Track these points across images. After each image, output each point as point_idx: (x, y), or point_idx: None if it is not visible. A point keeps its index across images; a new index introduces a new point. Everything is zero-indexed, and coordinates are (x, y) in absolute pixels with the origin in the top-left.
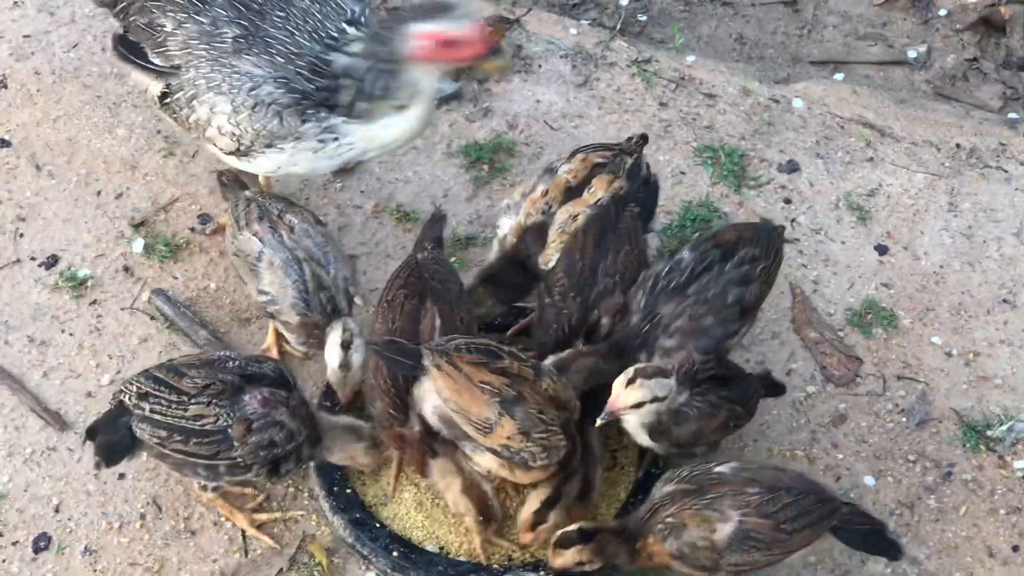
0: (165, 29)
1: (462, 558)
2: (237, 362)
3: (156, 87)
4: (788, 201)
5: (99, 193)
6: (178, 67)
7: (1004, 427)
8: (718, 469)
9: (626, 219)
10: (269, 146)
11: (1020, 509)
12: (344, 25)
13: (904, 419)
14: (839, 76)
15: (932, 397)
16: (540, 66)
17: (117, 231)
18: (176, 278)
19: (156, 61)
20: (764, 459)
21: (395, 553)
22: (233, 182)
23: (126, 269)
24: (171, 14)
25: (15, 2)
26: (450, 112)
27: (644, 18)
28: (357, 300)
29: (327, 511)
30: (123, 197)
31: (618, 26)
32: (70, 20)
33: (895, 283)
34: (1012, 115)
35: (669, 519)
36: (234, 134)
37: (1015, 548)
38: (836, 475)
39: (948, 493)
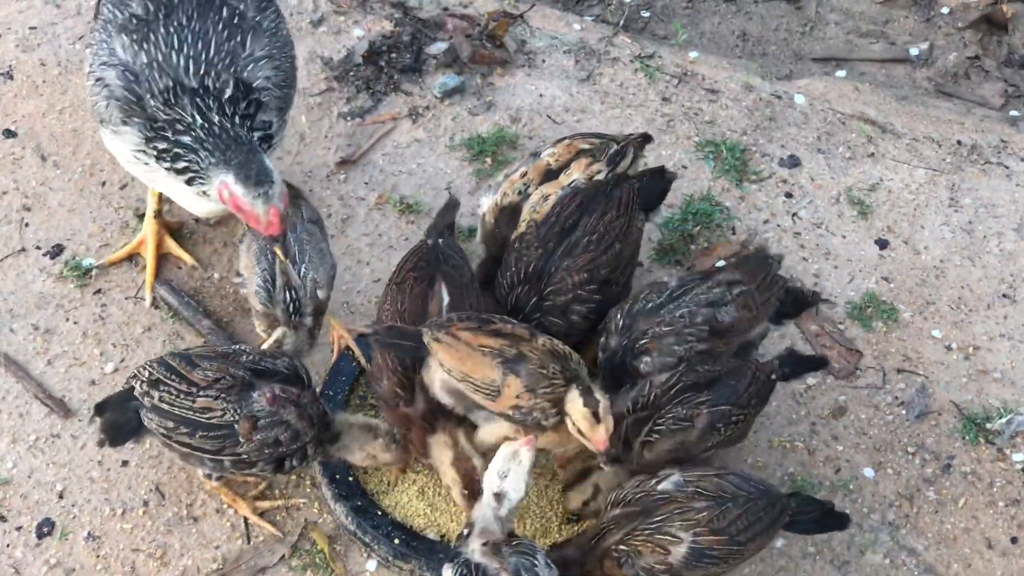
0: None
1: None
2: (250, 356)
3: None
4: (789, 195)
5: (104, 183)
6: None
7: (1003, 420)
8: (661, 486)
9: (622, 189)
10: (102, 122)
11: (1019, 501)
12: (218, 87)
13: (904, 412)
14: (841, 73)
15: (932, 390)
16: (543, 61)
17: (122, 221)
18: (180, 268)
19: None
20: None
21: (397, 540)
22: None
23: (130, 258)
24: None
25: None
26: (453, 105)
27: (647, 14)
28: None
29: (329, 499)
30: (128, 187)
31: (621, 22)
32: (76, 12)
33: (895, 277)
34: (1013, 112)
35: (622, 546)
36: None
37: (1013, 540)
38: (836, 467)
39: (947, 485)
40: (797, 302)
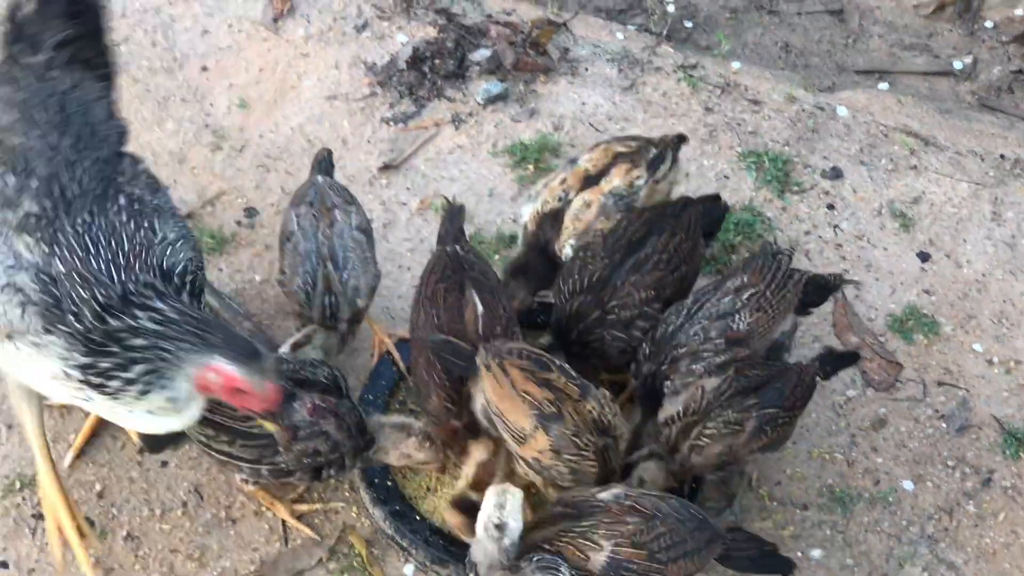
0: None
1: None
2: (291, 366)
3: None
4: (831, 207)
5: None
6: None
7: None
8: (601, 495)
9: (689, 212)
10: (9, 336)
11: None
12: (149, 279)
13: (944, 425)
14: (884, 85)
15: (972, 404)
16: (587, 69)
17: None
18: (221, 270)
19: None
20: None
21: (434, 544)
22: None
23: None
24: None
25: None
26: (496, 112)
27: (690, 24)
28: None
29: (367, 502)
30: (170, 190)
31: (664, 32)
32: (120, 14)
33: (937, 290)
34: None
35: (547, 544)
36: None
37: None
38: (875, 479)
39: (987, 499)
40: (820, 289)
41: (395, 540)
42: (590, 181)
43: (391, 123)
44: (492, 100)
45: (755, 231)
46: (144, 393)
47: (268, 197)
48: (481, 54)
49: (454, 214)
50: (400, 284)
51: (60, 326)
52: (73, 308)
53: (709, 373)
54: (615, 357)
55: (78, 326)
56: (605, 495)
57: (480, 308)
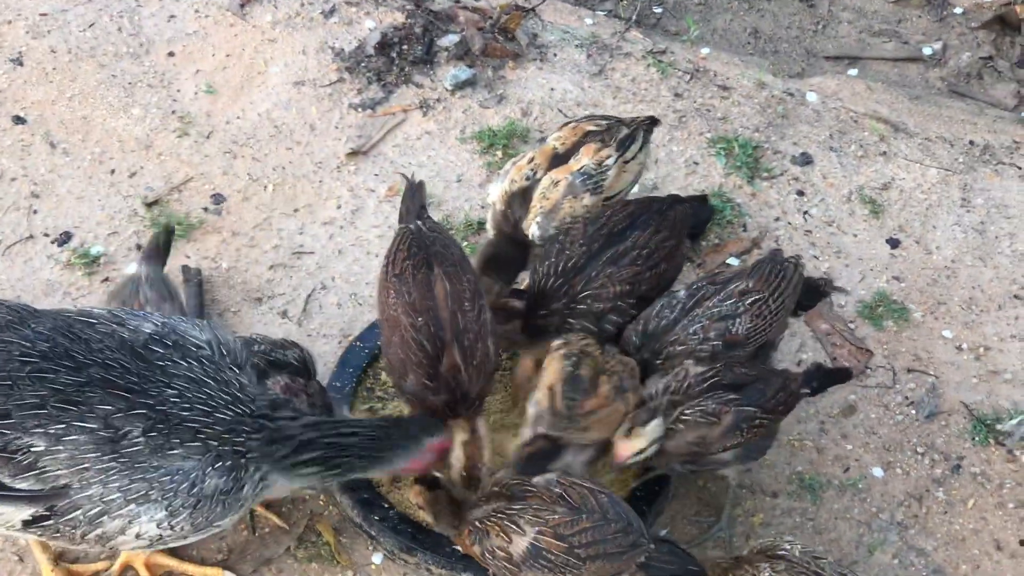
0: (35, 449)
1: None
2: (263, 346)
3: (21, 513)
4: (801, 193)
5: (113, 171)
6: (66, 486)
7: (1014, 421)
8: (536, 479)
9: (676, 211)
10: (202, 530)
11: None
12: (238, 377)
13: (914, 411)
14: (853, 71)
15: (942, 390)
16: (555, 55)
17: (130, 209)
18: (188, 257)
19: (22, 486)
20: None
21: (402, 533)
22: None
23: (139, 247)
24: (38, 430)
25: None
26: (464, 98)
27: (659, 10)
28: None
29: (335, 491)
30: (137, 176)
31: (633, 17)
32: (87, 0)
33: (907, 277)
34: None
35: (478, 522)
36: (161, 535)
37: (1022, 542)
38: (844, 466)
39: (956, 486)
40: (810, 292)
41: (363, 528)
42: (558, 160)
43: (359, 109)
44: (460, 86)
45: (725, 218)
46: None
47: (235, 183)
48: (449, 40)
49: (414, 191)
50: (368, 271)
51: (244, 474)
52: (239, 445)
53: (698, 362)
54: None
55: (248, 448)
56: (539, 479)
57: (447, 285)
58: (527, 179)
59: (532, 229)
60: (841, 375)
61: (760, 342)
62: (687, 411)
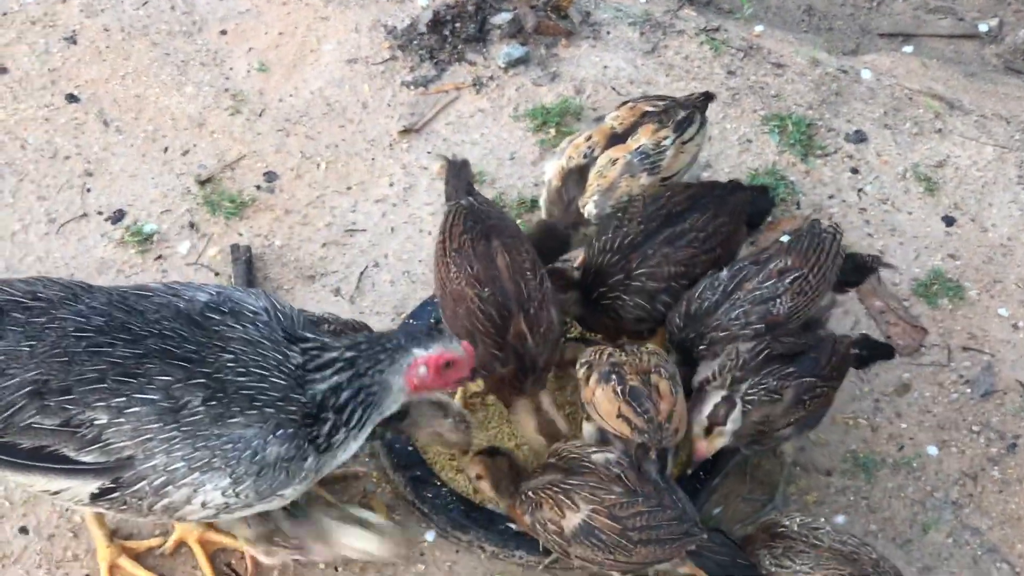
0: (98, 422)
1: None
2: (334, 325)
3: (89, 486)
4: (855, 171)
5: (166, 149)
6: (130, 458)
7: None
8: (595, 456)
9: (737, 196)
10: (267, 498)
11: None
12: (292, 347)
13: (969, 390)
14: (908, 48)
15: (998, 368)
16: (608, 32)
17: (184, 187)
18: (240, 235)
19: (87, 459)
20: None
21: (455, 510)
22: None
23: (192, 225)
24: (100, 404)
25: None
26: (517, 76)
27: None
28: None
29: (388, 468)
30: (190, 154)
31: None
32: None
33: (962, 254)
34: None
35: (531, 493)
36: (227, 504)
37: None
38: (899, 444)
39: (1012, 465)
40: (858, 269)
41: (416, 506)
42: (616, 139)
43: (411, 87)
44: (513, 64)
45: (779, 195)
46: (363, 428)
47: (288, 161)
48: (502, 17)
49: (459, 169)
50: (420, 249)
51: (306, 447)
52: (294, 423)
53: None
54: (631, 323)
55: (304, 430)
56: (598, 456)
57: (507, 257)
58: (584, 157)
59: (588, 207)
60: (885, 351)
61: (803, 318)
62: (750, 391)
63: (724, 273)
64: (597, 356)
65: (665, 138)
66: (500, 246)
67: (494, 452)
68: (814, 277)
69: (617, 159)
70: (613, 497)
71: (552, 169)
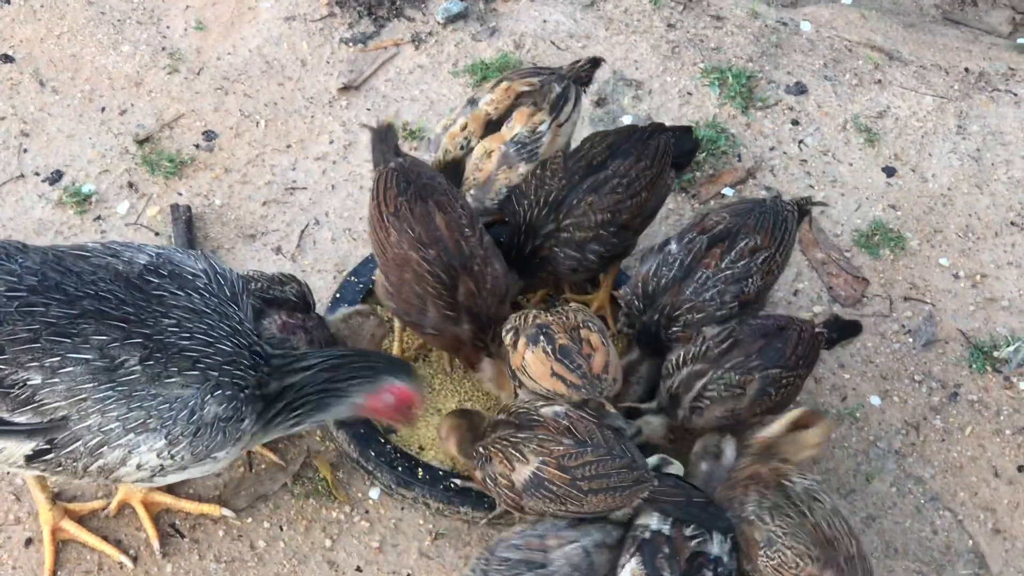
0: (31, 382)
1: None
2: (260, 283)
3: (23, 448)
4: (796, 123)
5: (103, 109)
6: (64, 418)
7: (1011, 348)
8: (544, 410)
9: (658, 140)
10: (201, 460)
11: None
12: (236, 311)
13: (911, 340)
14: (847, 0)
15: (939, 318)
16: None
17: (121, 147)
18: (180, 195)
19: (20, 420)
20: None
21: (400, 468)
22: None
23: (131, 185)
24: (33, 364)
25: None
26: (456, 31)
27: None
28: None
29: (332, 427)
30: (127, 113)
31: None
32: None
33: (902, 205)
34: (1021, 40)
35: (482, 448)
36: (162, 466)
37: (1020, 468)
38: (842, 395)
39: (954, 413)
40: (845, 329)
41: (360, 464)
42: (491, 127)
43: (350, 44)
44: (452, 19)
45: (719, 148)
46: (304, 419)
47: (227, 120)
48: None
49: (384, 134)
50: (361, 206)
51: (246, 407)
52: (239, 380)
53: (712, 323)
54: (567, 274)
55: (250, 385)
56: (547, 410)
57: (442, 215)
58: (461, 148)
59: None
60: (853, 328)
61: (768, 294)
62: (709, 387)
63: (674, 246)
64: (522, 320)
65: (541, 123)
66: (435, 205)
67: (464, 413)
68: (780, 256)
69: (492, 150)
70: (562, 448)
71: (427, 161)
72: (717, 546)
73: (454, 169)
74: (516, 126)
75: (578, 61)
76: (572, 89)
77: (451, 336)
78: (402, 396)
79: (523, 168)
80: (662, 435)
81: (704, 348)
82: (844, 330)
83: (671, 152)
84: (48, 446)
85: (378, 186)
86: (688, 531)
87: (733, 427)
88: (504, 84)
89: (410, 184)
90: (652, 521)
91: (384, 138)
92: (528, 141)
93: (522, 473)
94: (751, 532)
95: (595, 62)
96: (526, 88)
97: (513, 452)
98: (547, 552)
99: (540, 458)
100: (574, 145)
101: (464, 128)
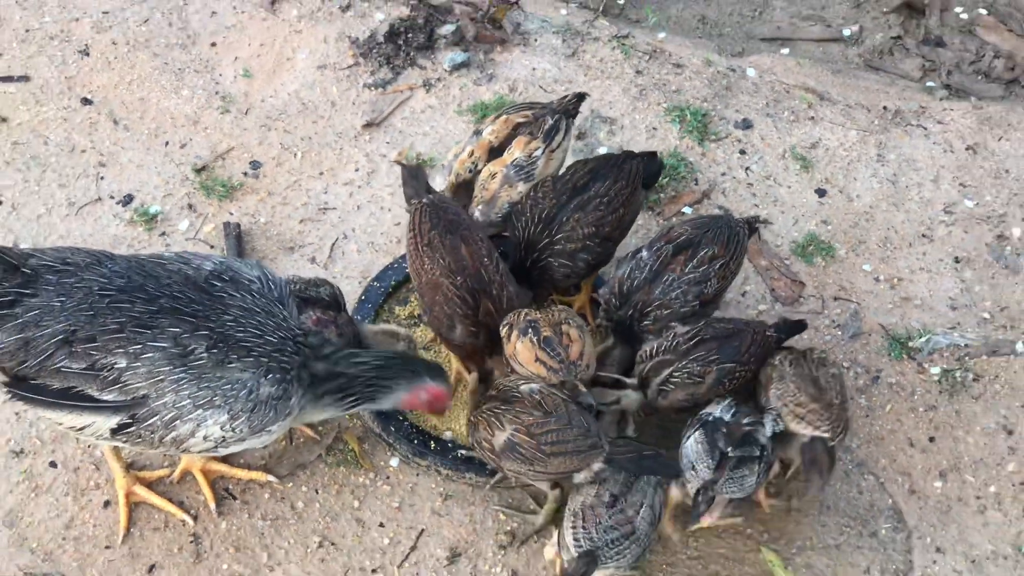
0: (118, 366)
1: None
2: (298, 285)
3: (109, 422)
4: (743, 152)
5: (167, 143)
6: (144, 396)
7: (923, 339)
8: (523, 387)
9: (632, 163)
10: (257, 433)
11: (935, 407)
12: (282, 310)
13: (839, 332)
14: (785, 51)
15: (863, 315)
16: (536, 40)
17: (182, 175)
18: (231, 214)
19: (108, 398)
20: None
21: (415, 441)
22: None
23: (190, 206)
24: (120, 350)
25: None
26: (460, 77)
27: (622, 1)
28: None
29: None
30: (187, 147)
31: (601, 7)
32: (142, 0)
33: (832, 220)
34: (930, 83)
35: (472, 417)
36: (224, 437)
37: (931, 439)
38: None
39: (876, 394)
40: (793, 328)
41: (382, 437)
42: (494, 153)
43: (372, 88)
44: (457, 67)
45: (679, 173)
46: (350, 406)
47: (269, 152)
48: (447, 29)
49: (415, 173)
50: (381, 223)
51: (294, 384)
52: (285, 365)
53: (682, 321)
54: (562, 280)
55: (293, 368)
56: (525, 387)
57: (467, 247)
58: (470, 172)
59: (476, 215)
60: (799, 327)
61: (724, 295)
62: (675, 375)
63: (644, 254)
64: (516, 317)
65: (536, 149)
66: (461, 238)
67: (486, 376)
68: (733, 263)
69: (496, 172)
70: (532, 419)
71: (442, 183)
72: (766, 431)
73: (465, 188)
74: (515, 152)
75: (566, 96)
76: (563, 121)
77: (471, 348)
78: (436, 395)
79: (522, 187)
80: (635, 408)
81: (675, 343)
82: (792, 329)
83: (642, 173)
84: (130, 420)
85: (414, 219)
86: (745, 420)
87: (691, 409)
88: (504, 117)
89: (440, 219)
90: (716, 409)
91: (416, 175)
92: (525, 164)
93: (499, 438)
94: (771, 372)
95: (580, 96)
96: (522, 120)
97: (494, 420)
98: (633, 522)
99: (513, 426)
100: (561, 171)
101: (471, 154)
